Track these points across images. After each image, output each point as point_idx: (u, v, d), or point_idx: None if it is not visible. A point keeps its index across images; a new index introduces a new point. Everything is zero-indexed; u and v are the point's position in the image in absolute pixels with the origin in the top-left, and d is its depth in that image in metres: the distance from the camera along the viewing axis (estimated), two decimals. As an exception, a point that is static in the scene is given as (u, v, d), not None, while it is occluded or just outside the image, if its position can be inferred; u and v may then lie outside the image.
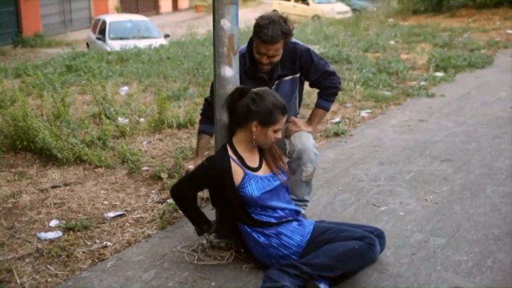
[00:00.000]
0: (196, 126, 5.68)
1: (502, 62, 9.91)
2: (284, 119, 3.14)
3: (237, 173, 3.10)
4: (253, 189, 3.09)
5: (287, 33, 3.47)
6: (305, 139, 3.62)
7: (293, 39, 3.64)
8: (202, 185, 3.29)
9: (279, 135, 3.17)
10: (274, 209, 3.13)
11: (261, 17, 3.53)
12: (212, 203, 3.35)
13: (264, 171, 3.19)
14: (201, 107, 3.81)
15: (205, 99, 3.78)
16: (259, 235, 3.11)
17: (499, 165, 4.84)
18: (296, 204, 3.48)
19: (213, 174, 3.13)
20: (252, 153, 3.21)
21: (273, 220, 3.11)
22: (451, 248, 3.42)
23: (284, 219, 3.13)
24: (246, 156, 3.17)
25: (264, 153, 3.24)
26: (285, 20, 3.49)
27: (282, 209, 3.16)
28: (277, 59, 3.53)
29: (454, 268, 3.20)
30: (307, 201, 3.75)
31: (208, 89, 3.91)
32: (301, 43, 3.74)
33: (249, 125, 3.10)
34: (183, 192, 3.25)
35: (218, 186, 3.15)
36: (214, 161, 3.17)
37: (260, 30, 3.45)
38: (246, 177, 3.11)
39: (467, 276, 3.12)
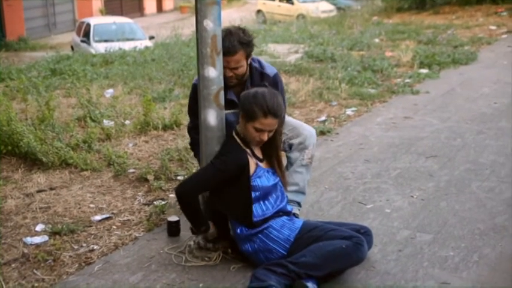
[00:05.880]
0: (183, 127, 5.71)
1: (486, 58, 9.97)
2: (267, 122, 3.06)
3: (252, 164, 3.13)
4: (264, 180, 3.14)
5: (245, 43, 3.42)
6: (308, 127, 3.74)
7: (262, 62, 3.62)
8: (218, 185, 3.15)
9: (264, 137, 3.11)
10: (270, 201, 3.17)
11: None
12: (211, 201, 3.29)
13: (265, 164, 3.22)
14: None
15: (189, 130, 3.77)
16: (250, 231, 3.12)
17: (483, 160, 4.88)
18: (292, 201, 3.54)
19: (234, 171, 3.09)
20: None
21: (267, 214, 3.13)
22: (438, 244, 3.45)
23: (275, 214, 3.15)
24: (253, 147, 3.21)
25: (271, 149, 3.23)
26: (243, 31, 3.47)
27: (276, 204, 3.19)
28: (241, 71, 3.46)
29: (441, 264, 3.22)
30: (303, 193, 3.78)
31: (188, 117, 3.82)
32: (269, 66, 3.69)
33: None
34: (194, 193, 3.15)
35: (231, 183, 3.11)
36: (232, 158, 3.11)
37: None
38: (258, 168, 3.15)
39: (454, 271, 3.15)
